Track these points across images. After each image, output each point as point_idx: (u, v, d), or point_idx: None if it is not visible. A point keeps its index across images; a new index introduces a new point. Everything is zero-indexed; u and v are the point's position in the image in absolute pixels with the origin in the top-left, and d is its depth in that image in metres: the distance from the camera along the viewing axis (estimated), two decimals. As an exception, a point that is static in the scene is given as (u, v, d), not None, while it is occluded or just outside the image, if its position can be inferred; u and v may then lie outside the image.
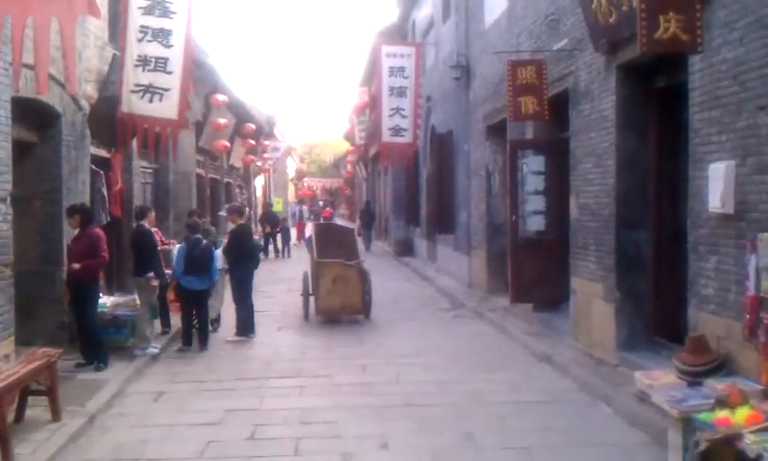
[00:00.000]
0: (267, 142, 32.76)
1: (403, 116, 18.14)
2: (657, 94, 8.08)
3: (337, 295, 11.73)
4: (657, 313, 8.11)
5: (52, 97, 8.91)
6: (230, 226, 11.79)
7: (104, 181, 10.87)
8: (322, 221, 25.13)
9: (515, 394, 7.76)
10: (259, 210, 32.72)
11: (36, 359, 6.42)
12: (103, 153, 11.07)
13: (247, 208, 27.98)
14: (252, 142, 25.53)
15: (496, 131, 13.53)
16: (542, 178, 10.84)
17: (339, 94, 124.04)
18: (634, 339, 8.19)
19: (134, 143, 11.49)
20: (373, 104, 27.94)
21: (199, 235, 10.50)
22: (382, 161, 25.66)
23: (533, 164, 10.87)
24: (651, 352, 7.87)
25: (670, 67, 7.39)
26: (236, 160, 25.25)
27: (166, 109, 10.05)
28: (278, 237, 26.10)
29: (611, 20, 7.79)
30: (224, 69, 21.88)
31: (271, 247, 25.20)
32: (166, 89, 9.99)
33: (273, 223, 25.46)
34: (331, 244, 12.75)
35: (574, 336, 9.40)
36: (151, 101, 9.96)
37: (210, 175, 21.08)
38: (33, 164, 9.22)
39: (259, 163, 32.77)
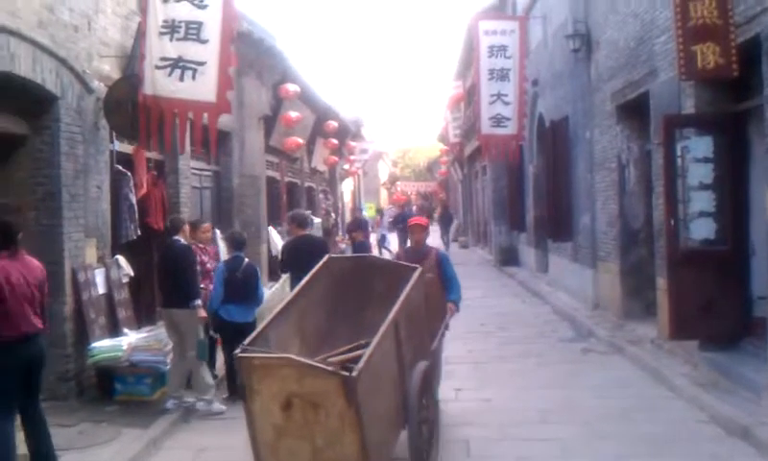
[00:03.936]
0: (354, 144, 30.36)
1: (506, 103, 15.22)
2: None
3: (302, 442, 4.82)
4: None
5: (41, 72, 6.64)
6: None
7: (132, 185, 8.64)
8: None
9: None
10: (347, 217, 30.36)
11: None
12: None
13: (332, 215, 25.77)
14: (335, 142, 23.12)
15: (631, 110, 10.62)
16: (711, 166, 7.81)
17: (433, 96, 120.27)
18: None
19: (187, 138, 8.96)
20: (470, 96, 25.18)
21: (240, 253, 8.08)
22: (481, 158, 22.77)
23: (697, 149, 7.82)
24: None
25: None
26: (319, 163, 22.86)
27: (201, 88, 7.54)
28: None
29: None
30: (299, 60, 19.39)
31: None
32: (200, 63, 7.48)
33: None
34: (362, 305, 6.02)
35: (777, 395, 6.41)
36: (181, 79, 7.46)
37: (288, 178, 18.77)
38: (23, 164, 7.01)
39: (346, 166, 30.48)
